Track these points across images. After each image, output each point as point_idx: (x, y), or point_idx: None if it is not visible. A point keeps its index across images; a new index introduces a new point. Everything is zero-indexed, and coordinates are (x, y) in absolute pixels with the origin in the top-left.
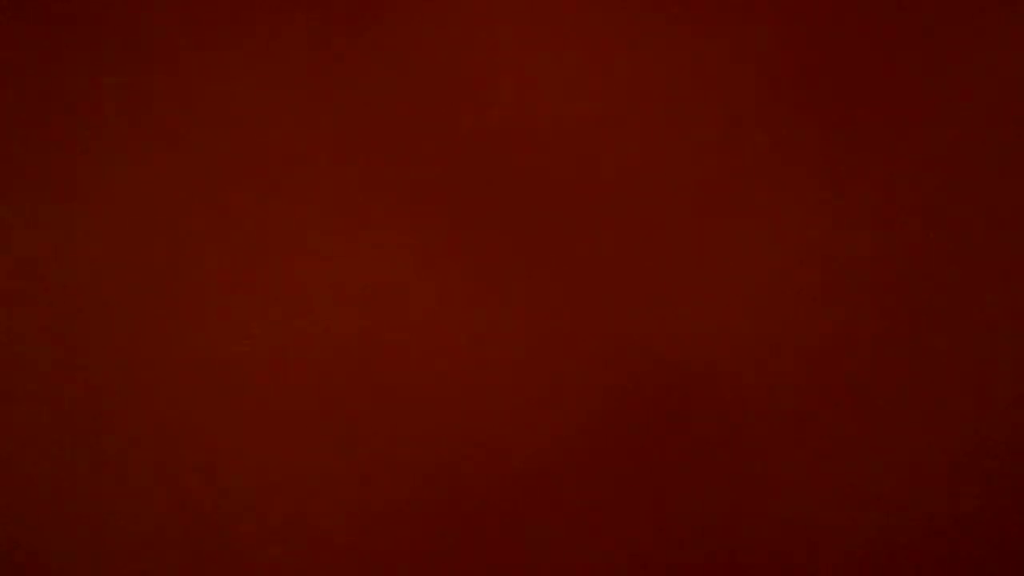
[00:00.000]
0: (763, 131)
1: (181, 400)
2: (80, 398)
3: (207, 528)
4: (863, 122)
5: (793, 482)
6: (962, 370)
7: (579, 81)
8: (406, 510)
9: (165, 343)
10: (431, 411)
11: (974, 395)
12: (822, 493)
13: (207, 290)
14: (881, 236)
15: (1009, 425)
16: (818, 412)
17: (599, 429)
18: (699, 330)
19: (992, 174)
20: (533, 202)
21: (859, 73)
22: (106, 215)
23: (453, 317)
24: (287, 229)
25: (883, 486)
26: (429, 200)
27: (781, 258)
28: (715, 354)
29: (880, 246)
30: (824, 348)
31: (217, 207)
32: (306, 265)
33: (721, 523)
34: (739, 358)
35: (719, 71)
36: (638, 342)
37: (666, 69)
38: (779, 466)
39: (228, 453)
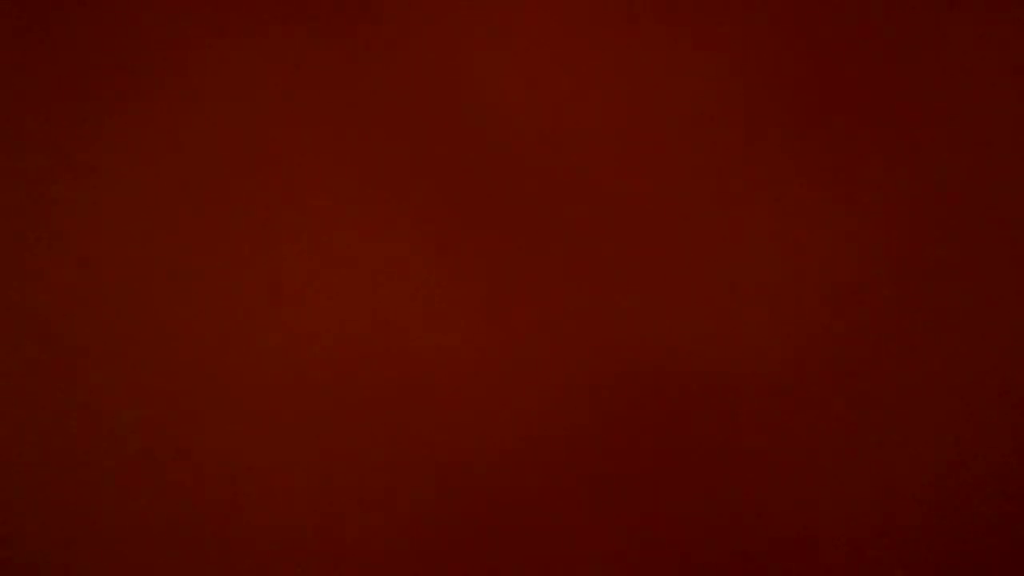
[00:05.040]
0: (762, 131)
1: (182, 399)
2: (80, 397)
3: (206, 528)
4: (863, 124)
5: (789, 480)
6: (962, 369)
7: (579, 81)
8: (402, 508)
9: (165, 343)
10: (429, 410)
11: (974, 394)
12: (817, 492)
13: (206, 290)
14: (879, 236)
15: (1009, 425)
16: (815, 411)
17: (597, 427)
18: (697, 329)
19: (994, 175)
20: (532, 202)
21: (862, 75)
22: (107, 215)
23: (451, 315)
24: (285, 228)
25: (880, 486)
26: (427, 199)
27: (779, 258)
28: (712, 353)
29: (878, 245)
30: (821, 348)
31: (215, 206)
32: (303, 264)
33: (716, 521)
34: (736, 358)
35: (720, 72)
36: (637, 341)
37: (666, 69)
38: (776, 464)
39: (226, 452)
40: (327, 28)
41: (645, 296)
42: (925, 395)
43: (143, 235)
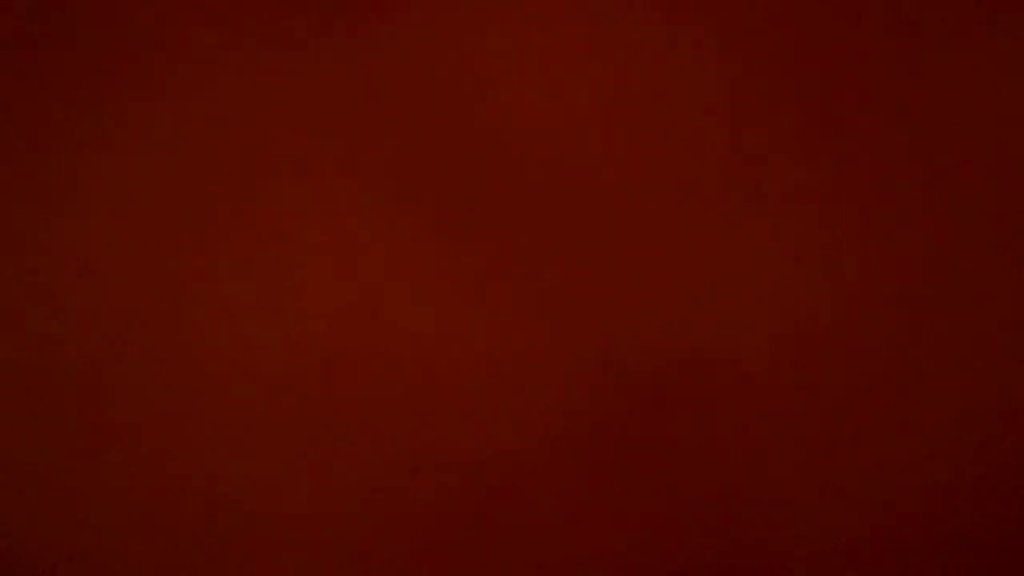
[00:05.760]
0: (759, 129)
1: (178, 399)
2: (77, 396)
3: (204, 526)
4: (862, 121)
5: (786, 480)
6: (961, 368)
7: (577, 82)
8: (401, 503)
9: (162, 343)
10: (428, 407)
11: (973, 393)
12: (815, 492)
13: (205, 289)
14: (876, 234)
15: (1008, 423)
16: (814, 409)
17: (594, 424)
18: (696, 326)
19: (993, 173)
20: (531, 199)
21: (860, 72)
22: (106, 214)
23: (451, 313)
24: (285, 228)
25: (878, 484)
26: (427, 200)
27: (777, 258)
28: (709, 353)
29: (875, 244)
30: (820, 346)
31: (214, 205)
32: (304, 263)
33: (716, 520)
34: (733, 357)
35: (718, 70)
36: (633, 341)
37: (665, 69)
38: (773, 464)
39: (223, 452)
40: (326, 30)
41: (643, 293)
42: (922, 392)
43: (140, 234)
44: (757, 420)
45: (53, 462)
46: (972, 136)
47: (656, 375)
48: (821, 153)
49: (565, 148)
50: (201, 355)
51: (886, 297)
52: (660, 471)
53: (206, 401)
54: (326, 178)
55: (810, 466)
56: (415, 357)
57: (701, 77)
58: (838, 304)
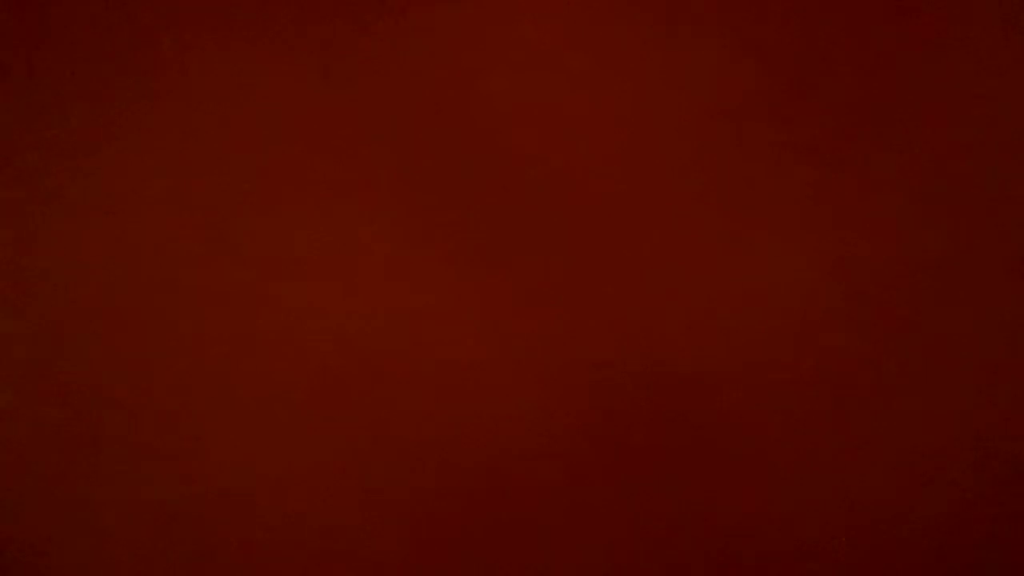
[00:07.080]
0: (762, 132)
1: (180, 401)
2: (78, 401)
3: (204, 527)
4: (864, 124)
5: (788, 485)
6: (963, 373)
7: (579, 84)
8: (400, 508)
9: (164, 343)
10: (430, 410)
11: (975, 397)
12: (816, 498)
13: (205, 289)
14: (880, 238)
15: (1010, 428)
16: (816, 416)
17: (594, 429)
18: (695, 332)
19: (996, 175)
20: (533, 203)
21: (862, 75)
22: (108, 215)
23: (451, 316)
24: (285, 229)
25: (879, 492)
26: (430, 201)
27: (779, 261)
28: (710, 356)
29: (879, 248)
30: (821, 352)
31: (214, 206)
32: (304, 264)
33: (714, 523)
34: (735, 360)
35: (720, 72)
36: (634, 343)
37: (666, 69)
38: (775, 471)
39: (226, 452)
40: (327, 31)
41: (645, 295)
42: (930, 399)
43: (141, 235)
44: (759, 425)
45: (53, 462)
46: (980, 138)
47: (657, 377)
48: (828, 157)
49: (568, 150)
50: (201, 355)
51: (894, 303)
52: (661, 474)
53: (206, 401)
54: (328, 178)
55: (814, 472)
56: (415, 358)
57: (705, 79)
58: (844, 309)
